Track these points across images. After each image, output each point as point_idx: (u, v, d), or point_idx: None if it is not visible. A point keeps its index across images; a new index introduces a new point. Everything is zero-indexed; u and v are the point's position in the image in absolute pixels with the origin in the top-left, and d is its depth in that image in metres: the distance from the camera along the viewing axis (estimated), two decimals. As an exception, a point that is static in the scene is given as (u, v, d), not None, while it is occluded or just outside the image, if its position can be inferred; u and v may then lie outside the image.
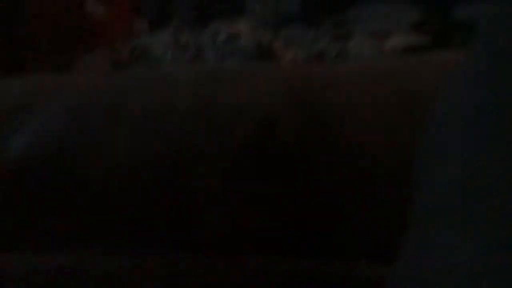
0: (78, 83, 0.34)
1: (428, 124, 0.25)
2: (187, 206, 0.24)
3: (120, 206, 0.26)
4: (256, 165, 0.25)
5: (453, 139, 0.23)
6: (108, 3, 2.69)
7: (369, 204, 0.26)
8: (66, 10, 2.31)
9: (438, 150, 0.24)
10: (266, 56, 1.50)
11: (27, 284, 0.25)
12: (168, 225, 0.25)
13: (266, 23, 2.72)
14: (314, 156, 0.25)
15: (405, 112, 0.31)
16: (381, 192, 0.26)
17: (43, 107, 0.29)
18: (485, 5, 1.98)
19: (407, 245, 0.22)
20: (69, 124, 0.28)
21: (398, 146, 0.28)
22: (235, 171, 0.24)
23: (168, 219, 0.25)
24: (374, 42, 1.80)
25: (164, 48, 2.22)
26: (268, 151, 0.25)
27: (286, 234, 0.26)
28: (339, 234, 0.26)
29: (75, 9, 2.38)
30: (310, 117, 0.27)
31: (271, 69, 0.35)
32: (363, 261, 0.25)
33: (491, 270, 0.18)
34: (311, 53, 1.84)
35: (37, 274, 0.25)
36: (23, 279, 0.25)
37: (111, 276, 0.24)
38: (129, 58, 2.24)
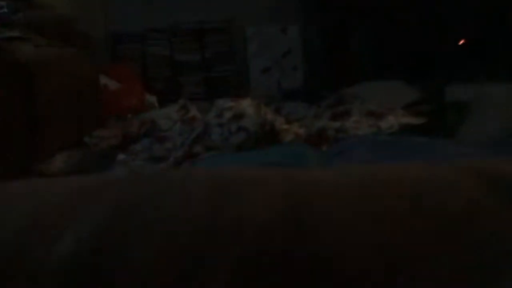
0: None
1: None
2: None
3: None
4: (255, 275, 0.28)
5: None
6: (121, 79, 2.85)
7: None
8: (82, 84, 2.42)
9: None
10: (268, 135, 1.58)
11: None
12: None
13: (270, 99, 2.85)
14: (298, 272, 0.28)
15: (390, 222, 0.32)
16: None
17: (81, 215, 0.33)
18: (477, 84, 2.10)
19: None
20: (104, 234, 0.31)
21: (378, 261, 0.29)
22: (234, 280, 0.27)
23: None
24: (372, 121, 1.88)
25: (172, 122, 2.32)
26: (263, 263, 0.28)
27: None
28: None
29: (90, 83, 2.50)
30: (298, 230, 0.30)
31: (272, 179, 0.38)
32: None
33: None
34: (312, 130, 1.91)
35: None
36: None
37: None
38: (139, 130, 2.33)
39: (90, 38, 2.52)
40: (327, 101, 2.25)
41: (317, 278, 0.28)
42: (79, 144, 2.24)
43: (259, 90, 3.14)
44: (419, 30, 2.66)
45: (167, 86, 3.20)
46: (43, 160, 2.02)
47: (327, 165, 1.42)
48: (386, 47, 2.87)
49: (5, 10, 2.01)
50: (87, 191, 0.36)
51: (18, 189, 0.39)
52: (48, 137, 2.06)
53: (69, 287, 0.29)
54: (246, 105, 1.78)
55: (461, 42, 2.69)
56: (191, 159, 1.64)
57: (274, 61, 3.26)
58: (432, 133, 1.72)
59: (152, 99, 2.85)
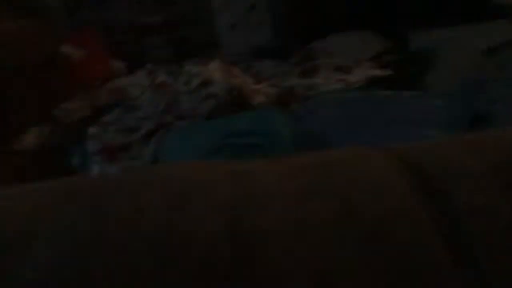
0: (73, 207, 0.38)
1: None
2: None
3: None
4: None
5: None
6: (85, 47, 2.76)
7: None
8: (45, 57, 2.35)
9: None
10: (237, 100, 1.59)
11: None
12: None
13: (239, 57, 2.82)
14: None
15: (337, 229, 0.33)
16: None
17: (46, 233, 0.35)
18: (440, 31, 2.12)
19: None
20: (72, 250, 0.33)
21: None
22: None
23: None
24: (340, 76, 1.90)
25: (142, 89, 2.29)
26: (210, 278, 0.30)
27: None
28: None
29: (51, 54, 2.43)
30: (243, 245, 0.32)
31: (220, 185, 0.40)
32: None
33: None
34: (281, 89, 1.93)
35: None
36: None
37: None
38: (107, 100, 2.29)
39: (48, 6, 2.42)
40: (295, 57, 2.25)
41: None
42: (49, 118, 2.20)
43: (227, 47, 3.10)
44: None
45: (132, 50, 3.13)
46: (15, 137, 1.99)
47: (296, 127, 1.45)
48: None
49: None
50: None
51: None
52: (17, 113, 2.02)
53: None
54: (214, 69, 1.77)
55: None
56: (163, 129, 1.64)
57: (241, 17, 3.20)
58: (399, 84, 1.75)
59: (119, 64, 2.79)
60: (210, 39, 3.22)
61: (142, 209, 0.36)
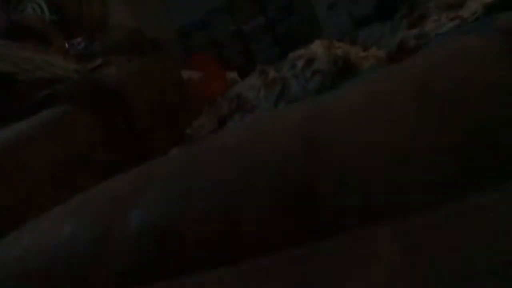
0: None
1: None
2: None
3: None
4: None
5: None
6: (201, 67, 2.98)
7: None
8: (169, 85, 2.58)
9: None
10: (344, 70, 1.55)
11: None
12: None
13: (344, 33, 2.75)
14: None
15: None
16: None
17: (150, 190, 0.40)
18: None
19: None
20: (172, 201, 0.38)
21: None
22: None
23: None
24: (452, 14, 1.72)
25: (256, 90, 2.37)
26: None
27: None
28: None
29: (176, 83, 2.66)
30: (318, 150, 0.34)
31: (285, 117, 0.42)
32: None
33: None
34: (391, 48, 1.82)
35: None
36: None
37: None
38: (230, 109, 2.42)
39: (159, 41, 2.67)
40: (400, 12, 2.11)
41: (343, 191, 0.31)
42: (183, 138, 2.41)
43: (331, 28, 3.04)
44: None
45: (243, 58, 3.27)
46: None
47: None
48: None
49: (83, 44, 2.22)
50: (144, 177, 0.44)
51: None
52: (154, 142, 2.25)
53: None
54: (316, 47, 1.75)
55: None
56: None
57: (338, -7, 3.12)
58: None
59: (233, 75, 2.93)
60: (312, 25, 3.21)
61: (228, 139, 0.40)
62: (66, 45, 2.20)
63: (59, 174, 1.47)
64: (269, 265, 0.30)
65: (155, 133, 2.24)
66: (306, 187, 0.34)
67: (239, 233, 0.34)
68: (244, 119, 2.02)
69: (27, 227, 0.44)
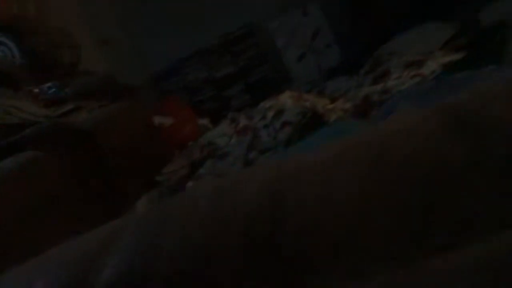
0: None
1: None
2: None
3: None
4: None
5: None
6: (173, 113, 3.01)
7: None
8: (140, 131, 2.58)
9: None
10: (312, 122, 1.61)
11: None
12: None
13: (312, 84, 2.86)
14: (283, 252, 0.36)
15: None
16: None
17: (123, 243, 0.42)
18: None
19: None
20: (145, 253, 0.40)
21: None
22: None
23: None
24: (413, 71, 1.84)
25: (228, 137, 2.42)
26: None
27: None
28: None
29: (147, 128, 2.68)
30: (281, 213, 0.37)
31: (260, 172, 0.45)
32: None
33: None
34: (357, 101, 1.91)
35: None
36: None
37: None
38: (201, 155, 2.45)
39: (132, 86, 2.70)
40: (365, 67, 2.22)
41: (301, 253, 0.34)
42: (154, 184, 2.40)
43: (300, 78, 3.16)
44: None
45: (214, 104, 3.33)
46: (127, 209, 2.20)
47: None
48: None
49: (54, 89, 2.22)
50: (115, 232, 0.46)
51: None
52: (126, 187, 2.23)
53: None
54: (285, 98, 1.82)
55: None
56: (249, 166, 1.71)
57: (306, 46, 3.27)
58: (476, 64, 1.65)
59: (204, 121, 2.98)
60: (281, 75, 3.33)
61: (197, 196, 0.42)
62: (36, 90, 2.20)
63: (28, 218, 1.45)
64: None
65: (126, 177, 2.23)
66: (270, 245, 0.36)
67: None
68: (216, 165, 2.05)
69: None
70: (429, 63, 1.78)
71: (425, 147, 0.38)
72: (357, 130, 1.47)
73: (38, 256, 0.48)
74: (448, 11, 2.33)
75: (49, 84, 2.25)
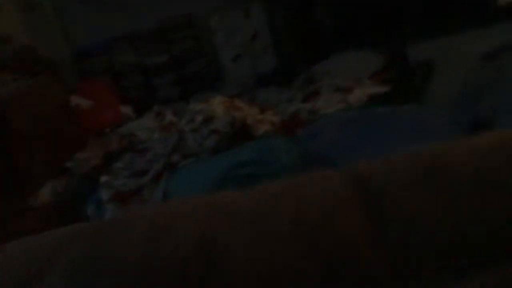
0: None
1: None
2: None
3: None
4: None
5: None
6: (93, 95, 2.85)
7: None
8: (55, 110, 2.42)
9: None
10: (241, 132, 1.60)
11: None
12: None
13: (244, 87, 2.85)
14: None
15: None
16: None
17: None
18: (440, 40, 2.10)
19: None
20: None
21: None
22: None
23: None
24: (341, 96, 1.90)
25: (150, 131, 2.34)
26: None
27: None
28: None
29: (62, 107, 2.50)
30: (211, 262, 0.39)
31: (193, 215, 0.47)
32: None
33: None
34: (285, 116, 1.94)
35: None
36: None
37: None
38: (119, 146, 2.34)
39: (53, 62, 2.51)
40: (297, 82, 2.26)
41: None
42: (63, 170, 2.26)
43: (233, 79, 3.14)
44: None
45: (141, 92, 3.20)
46: (31, 194, 2.04)
47: (299, 152, 1.45)
48: (349, 13, 2.86)
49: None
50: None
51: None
52: (32, 170, 2.08)
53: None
54: (216, 105, 1.79)
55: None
56: (171, 169, 1.66)
57: (243, 47, 3.25)
58: (399, 98, 1.74)
59: (127, 109, 2.85)
60: (215, 72, 3.28)
61: (132, 242, 0.41)
62: None
63: None
64: None
65: (34, 159, 2.07)
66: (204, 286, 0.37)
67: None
68: (134, 160, 1.96)
69: None
70: (356, 91, 1.85)
71: (333, 217, 0.41)
72: (281, 148, 1.49)
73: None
74: (379, 41, 2.44)
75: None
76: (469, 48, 1.79)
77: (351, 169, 0.47)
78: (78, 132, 2.48)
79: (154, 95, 3.19)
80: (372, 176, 0.44)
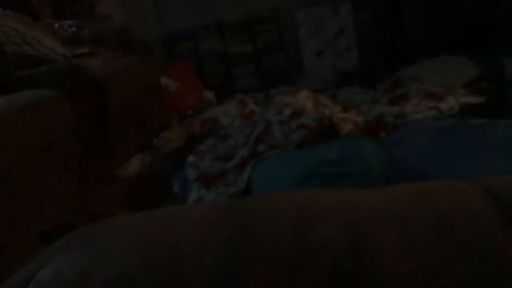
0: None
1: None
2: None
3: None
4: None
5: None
6: (179, 78, 2.98)
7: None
8: (146, 89, 2.56)
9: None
10: (327, 129, 1.63)
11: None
12: None
13: (325, 84, 2.87)
14: None
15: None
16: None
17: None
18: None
19: None
20: None
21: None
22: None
23: None
24: (431, 103, 1.86)
25: (232, 118, 2.42)
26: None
27: None
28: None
29: (153, 87, 2.64)
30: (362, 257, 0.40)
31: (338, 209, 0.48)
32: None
33: None
34: (370, 117, 1.93)
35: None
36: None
37: None
38: (201, 130, 2.44)
39: (148, 43, 2.65)
40: (384, 84, 2.24)
41: None
42: (149, 146, 2.39)
43: (313, 75, 3.16)
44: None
45: (222, 80, 3.30)
46: (120, 165, 2.19)
47: (386, 156, 1.46)
48: (442, 20, 2.79)
49: (74, 29, 2.17)
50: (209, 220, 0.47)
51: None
52: (121, 143, 2.22)
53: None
54: (304, 99, 1.83)
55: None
56: (256, 157, 1.72)
57: (327, 43, 3.26)
58: (493, 112, 1.69)
59: (210, 94, 2.96)
60: (295, 66, 3.32)
61: (279, 231, 0.43)
62: (56, 25, 2.14)
63: (28, 160, 1.43)
64: None
65: (123, 133, 2.21)
66: (354, 280, 0.39)
67: None
68: (217, 145, 2.05)
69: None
70: (449, 99, 1.81)
71: (479, 227, 0.41)
72: (371, 150, 1.50)
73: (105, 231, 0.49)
74: (474, 50, 2.36)
75: (69, 22, 2.19)
76: None
77: (479, 182, 0.47)
78: (164, 111, 2.61)
79: (233, 84, 3.29)
80: (505, 191, 0.45)
